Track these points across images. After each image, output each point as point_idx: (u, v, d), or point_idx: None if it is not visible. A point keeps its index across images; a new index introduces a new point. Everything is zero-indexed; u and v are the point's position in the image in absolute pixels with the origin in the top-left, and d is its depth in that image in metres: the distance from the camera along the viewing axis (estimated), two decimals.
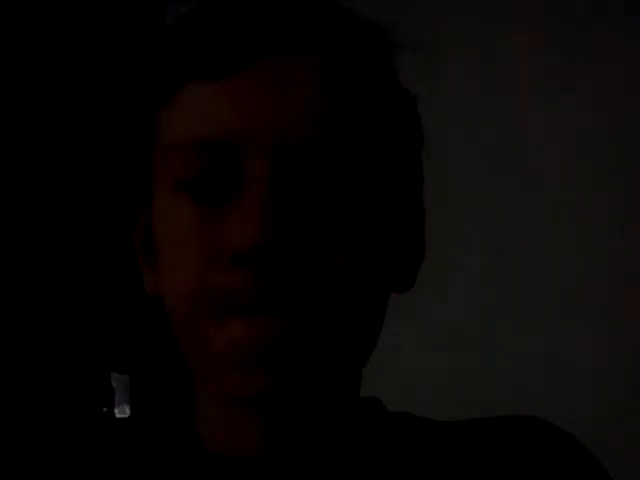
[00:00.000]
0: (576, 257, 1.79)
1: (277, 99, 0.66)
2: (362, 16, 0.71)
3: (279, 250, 0.65)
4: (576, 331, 1.77)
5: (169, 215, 0.70)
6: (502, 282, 1.84)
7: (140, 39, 1.91)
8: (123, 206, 0.77)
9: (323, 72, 0.67)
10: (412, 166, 0.75)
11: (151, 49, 0.72)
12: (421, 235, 0.76)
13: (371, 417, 0.74)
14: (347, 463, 0.71)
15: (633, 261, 1.75)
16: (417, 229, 0.76)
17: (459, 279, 1.85)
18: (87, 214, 1.87)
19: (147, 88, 0.72)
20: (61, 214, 1.86)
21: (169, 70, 0.69)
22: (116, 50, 1.91)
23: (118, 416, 1.86)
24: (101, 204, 1.87)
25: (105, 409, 1.77)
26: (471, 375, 1.77)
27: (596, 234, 1.78)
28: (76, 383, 1.79)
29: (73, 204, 1.86)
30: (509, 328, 1.81)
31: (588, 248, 1.78)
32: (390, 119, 0.71)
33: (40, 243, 1.84)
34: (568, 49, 1.81)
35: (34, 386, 1.77)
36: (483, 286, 1.84)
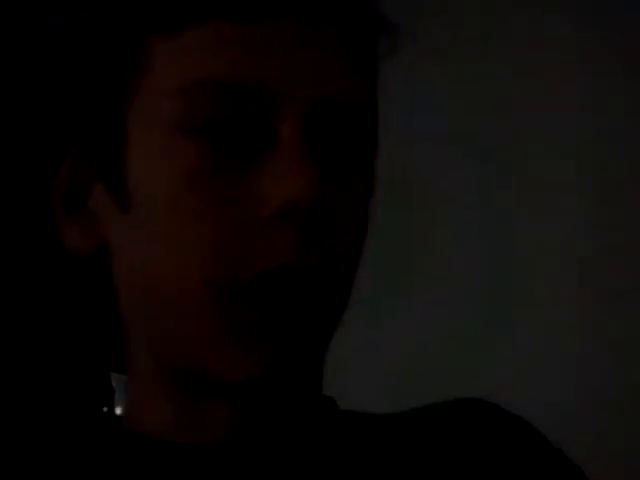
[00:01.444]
0: (576, 254, 1.79)
1: (310, 50, 0.63)
2: None
3: (323, 207, 0.61)
4: (576, 329, 1.77)
5: (166, 160, 0.63)
6: (502, 280, 1.84)
7: None
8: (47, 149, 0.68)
9: (340, 39, 0.65)
10: (376, 135, 0.72)
11: None
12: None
13: (324, 413, 0.70)
14: (298, 457, 0.67)
15: (633, 258, 1.75)
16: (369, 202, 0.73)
17: (458, 277, 1.85)
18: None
19: (133, 17, 0.65)
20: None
21: (180, 2, 0.63)
22: None
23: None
24: None
25: (105, 409, 1.76)
26: (470, 372, 1.77)
27: (596, 230, 1.78)
28: (76, 383, 1.78)
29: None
30: (508, 326, 1.81)
31: (588, 245, 1.78)
32: (374, 87, 0.69)
33: (38, 242, 1.83)
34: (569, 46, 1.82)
35: (33, 386, 1.76)
36: (483, 283, 1.85)
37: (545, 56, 1.83)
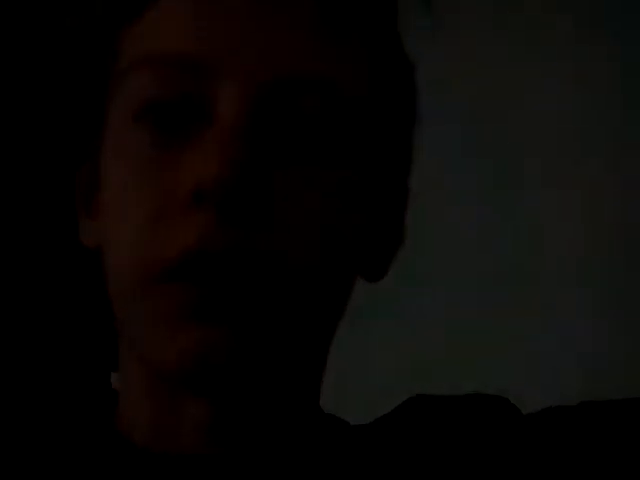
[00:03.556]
0: (577, 254, 1.79)
1: (268, 24, 0.57)
2: None
3: (246, 189, 0.56)
4: (576, 329, 1.77)
5: (123, 149, 0.60)
6: (501, 279, 1.84)
7: None
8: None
9: (322, 10, 0.58)
10: (402, 140, 0.66)
11: None
12: (401, 220, 0.67)
13: (319, 425, 0.66)
14: (287, 467, 0.62)
15: (634, 257, 1.75)
16: (397, 212, 0.67)
17: (458, 278, 1.85)
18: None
19: (110, 5, 0.63)
20: (58, 211, 1.85)
21: None
22: None
23: None
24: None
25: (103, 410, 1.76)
26: (469, 372, 1.77)
27: (597, 230, 1.78)
28: (76, 383, 1.78)
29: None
30: (508, 325, 1.81)
31: (588, 245, 1.78)
32: (386, 79, 0.63)
33: (39, 243, 1.83)
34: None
35: (33, 386, 1.76)
36: (481, 283, 1.85)
37: (543, 57, 1.83)
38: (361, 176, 0.62)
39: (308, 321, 0.60)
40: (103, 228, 0.62)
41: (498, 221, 1.84)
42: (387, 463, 0.63)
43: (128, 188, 0.59)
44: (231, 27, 0.57)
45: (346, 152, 0.60)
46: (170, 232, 0.57)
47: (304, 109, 0.58)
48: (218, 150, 0.56)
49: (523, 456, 0.64)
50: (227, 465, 0.61)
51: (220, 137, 0.56)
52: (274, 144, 0.58)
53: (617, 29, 1.77)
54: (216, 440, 0.61)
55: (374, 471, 0.63)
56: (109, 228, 0.61)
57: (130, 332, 0.61)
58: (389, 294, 1.76)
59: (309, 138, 0.58)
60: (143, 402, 0.63)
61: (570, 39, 1.80)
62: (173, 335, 0.57)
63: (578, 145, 1.80)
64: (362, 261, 0.65)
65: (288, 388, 0.63)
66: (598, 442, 0.64)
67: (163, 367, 0.59)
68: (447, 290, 1.83)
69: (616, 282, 1.76)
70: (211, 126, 0.57)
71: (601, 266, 1.78)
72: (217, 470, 0.61)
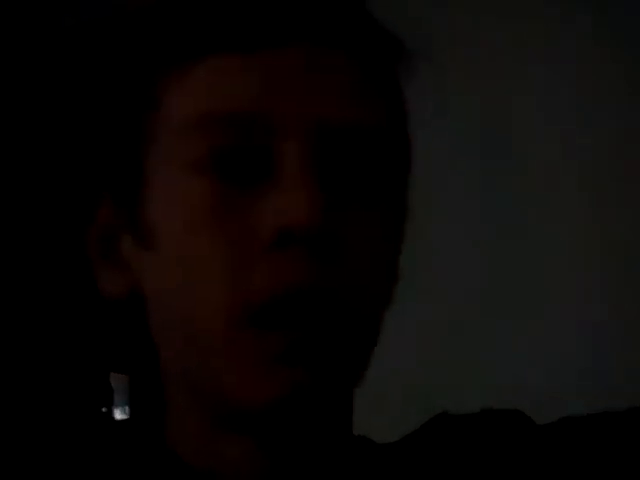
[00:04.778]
0: (577, 254, 1.79)
1: (314, 80, 0.63)
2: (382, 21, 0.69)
3: (329, 233, 0.61)
4: (575, 329, 1.77)
5: (179, 198, 0.63)
6: (500, 280, 1.84)
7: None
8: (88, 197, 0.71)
9: (351, 63, 0.65)
10: (408, 175, 0.71)
11: (159, 15, 0.68)
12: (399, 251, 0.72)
13: (362, 450, 0.69)
14: None
15: (632, 252, 1.75)
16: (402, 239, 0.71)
17: (458, 277, 1.85)
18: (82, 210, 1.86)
19: (146, 58, 0.67)
20: (59, 211, 1.85)
21: (186, 38, 0.65)
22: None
23: (117, 417, 1.86)
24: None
25: (104, 409, 1.77)
26: (469, 372, 1.77)
27: (597, 230, 1.78)
28: (76, 383, 1.78)
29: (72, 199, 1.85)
30: (508, 327, 1.81)
31: (588, 246, 1.79)
32: (398, 120, 0.69)
33: (40, 243, 1.84)
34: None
35: (34, 386, 1.77)
36: (482, 283, 1.85)
37: (544, 56, 1.83)
38: (393, 207, 0.67)
39: (369, 353, 0.65)
40: (151, 276, 0.65)
41: (498, 217, 1.84)
42: None
43: (195, 235, 0.63)
44: (285, 85, 0.63)
45: (393, 190, 0.66)
46: (255, 275, 0.61)
47: (356, 154, 0.63)
48: (296, 198, 0.60)
49: (540, 468, 0.67)
50: None
51: (292, 184, 0.61)
52: (335, 187, 0.63)
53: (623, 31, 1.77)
54: (260, 466, 0.65)
55: None
56: (169, 275, 0.64)
57: (201, 372, 0.64)
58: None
59: (364, 180, 0.64)
60: (190, 426, 0.66)
61: (578, 38, 1.81)
62: (264, 378, 0.61)
63: (582, 145, 1.80)
64: None
65: (333, 416, 0.67)
66: (611, 453, 0.67)
67: (245, 407, 0.62)
68: (450, 285, 1.84)
69: (615, 287, 1.76)
70: (277, 175, 0.62)
71: (601, 269, 1.78)
72: None
